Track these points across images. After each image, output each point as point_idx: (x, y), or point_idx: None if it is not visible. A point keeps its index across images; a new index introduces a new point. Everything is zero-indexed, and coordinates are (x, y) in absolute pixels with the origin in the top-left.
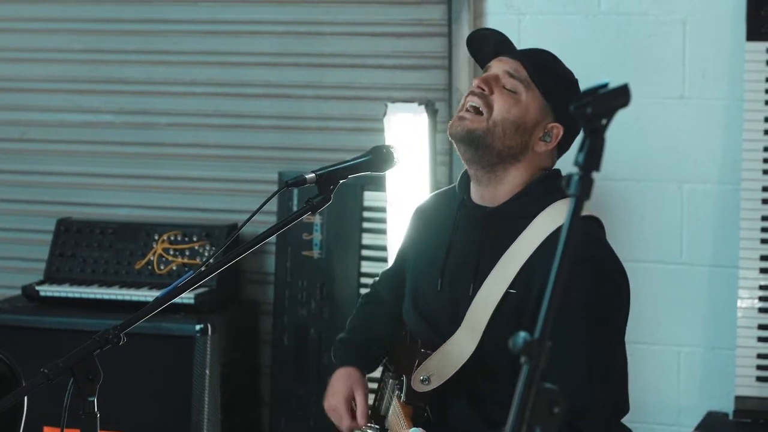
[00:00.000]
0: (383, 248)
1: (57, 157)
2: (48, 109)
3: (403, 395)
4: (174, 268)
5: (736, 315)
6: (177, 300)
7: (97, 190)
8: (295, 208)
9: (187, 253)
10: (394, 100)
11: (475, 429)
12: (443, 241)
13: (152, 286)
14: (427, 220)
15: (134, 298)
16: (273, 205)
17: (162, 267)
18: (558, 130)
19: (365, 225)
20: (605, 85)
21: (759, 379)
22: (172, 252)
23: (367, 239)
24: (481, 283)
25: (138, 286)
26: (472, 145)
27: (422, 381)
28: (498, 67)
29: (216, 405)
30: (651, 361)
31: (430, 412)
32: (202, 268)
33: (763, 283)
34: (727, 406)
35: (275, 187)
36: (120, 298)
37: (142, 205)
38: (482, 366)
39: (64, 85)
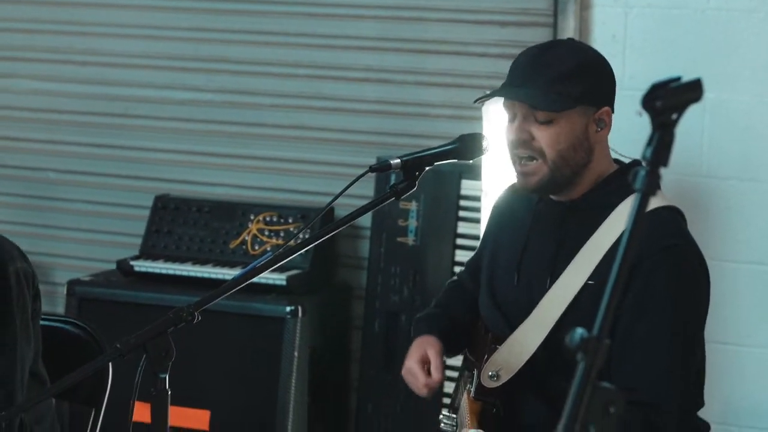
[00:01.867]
0: (478, 238)
1: (157, 133)
2: (150, 85)
3: (472, 391)
4: (268, 248)
5: None
6: (269, 281)
7: (196, 168)
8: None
9: (282, 234)
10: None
11: (548, 424)
12: (521, 235)
13: (245, 266)
14: (503, 212)
15: (227, 277)
16: (370, 190)
17: (256, 247)
18: (606, 113)
19: (461, 214)
20: (678, 79)
21: None
22: (266, 233)
23: (462, 228)
24: (559, 276)
25: (231, 265)
26: (549, 190)
27: (491, 377)
28: (517, 107)
29: (303, 388)
30: (748, 363)
31: (502, 409)
32: (280, 250)
33: None
34: None
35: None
36: (213, 276)
37: (239, 184)
38: (552, 359)
39: (168, 62)
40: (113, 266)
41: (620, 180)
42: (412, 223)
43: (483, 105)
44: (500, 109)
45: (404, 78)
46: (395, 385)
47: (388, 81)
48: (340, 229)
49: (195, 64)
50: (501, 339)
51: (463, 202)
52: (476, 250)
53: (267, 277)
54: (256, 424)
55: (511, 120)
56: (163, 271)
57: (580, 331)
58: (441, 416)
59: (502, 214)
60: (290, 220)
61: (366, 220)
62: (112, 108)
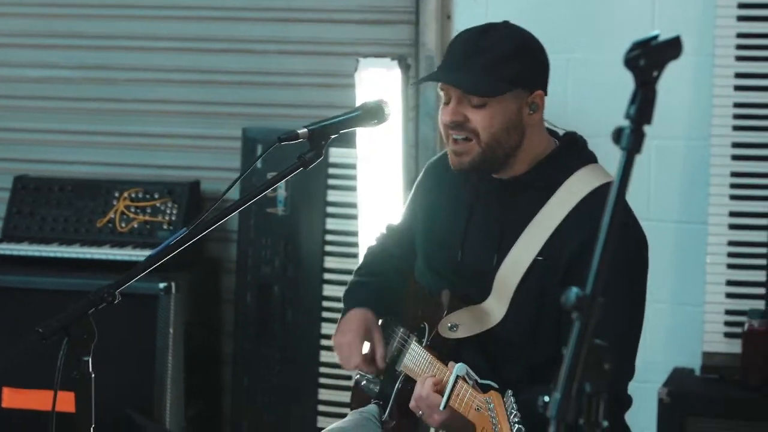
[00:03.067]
0: (350, 205)
1: (14, 112)
2: (5, 64)
3: (426, 341)
4: (135, 225)
5: (704, 271)
6: (138, 258)
7: (55, 146)
8: (259, 165)
9: (149, 210)
10: (366, 55)
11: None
12: (461, 210)
13: (114, 244)
14: (440, 180)
15: (96, 257)
16: (236, 162)
17: (123, 225)
18: (539, 97)
19: (331, 182)
20: (656, 37)
21: (727, 335)
22: (133, 209)
23: (332, 196)
24: (506, 253)
25: (99, 244)
26: (482, 169)
27: (450, 328)
28: (452, 90)
29: (179, 363)
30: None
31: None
32: (193, 225)
33: (731, 239)
34: (694, 362)
35: (238, 144)
36: (81, 256)
37: (101, 162)
38: (507, 332)
39: (22, 39)
40: None
41: (562, 158)
42: (281, 193)
43: (356, 72)
44: (373, 76)
45: (267, 47)
46: (270, 356)
47: (251, 51)
48: (250, 203)
49: (50, 40)
50: (464, 299)
51: (332, 170)
52: (403, 216)
53: (135, 254)
54: (134, 403)
55: (446, 102)
56: (29, 254)
57: (575, 290)
58: (358, 376)
59: (438, 186)
60: (156, 196)
61: (234, 192)
62: None
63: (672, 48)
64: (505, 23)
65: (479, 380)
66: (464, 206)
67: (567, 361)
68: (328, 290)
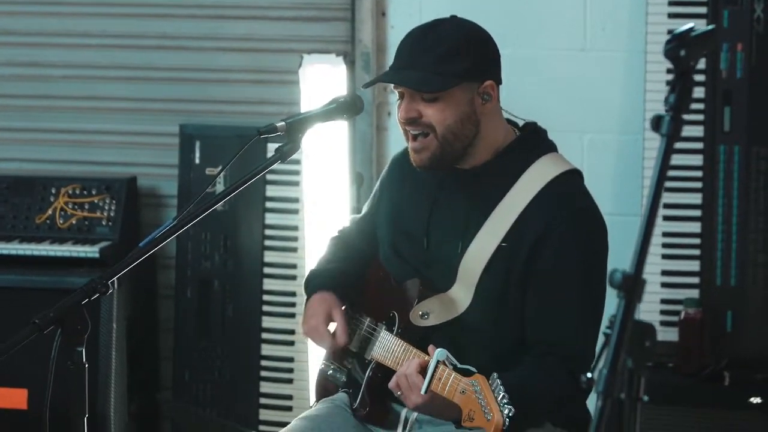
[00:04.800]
0: (290, 200)
1: None
2: None
3: (397, 329)
4: (74, 222)
5: None
6: (80, 254)
7: None
8: (197, 161)
9: (87, 206)
10: (306, 52)
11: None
12: (426, 200)
13: (54, 240)
14: (404, 171)
15: (36, 253)
16: (173, 158)
17: (62, 221)
18: (490, 87)
19: (269, 177)
20: (692, 29)
21: (663, 323)
22: (71, 205)
23: (271, 191)
24: (470, 241)
25: (38, 240)
26: (441, 163)
27: (421, 316)
28: (403, 88)
29: (123, 359)
30: None
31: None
32: (178, 219)
33: (665, 230)
34: None
35: (176, 140)
36: (20, 252)
37: (37, 158)
38: (473, 319)
39: None
40: None
41: (522, 147)
42: (220, 188)
43: (300, 68)
44: (317, 72)
45: (201, 44)
46: (211, 351)
47: (185, 48)
48: (232, 195)
49: None
50: (432, 288)
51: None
52: (367, 208)
53: (77, 250)
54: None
55: (400, 99)
56: None
57: (620, 270)
58: (323, 365)
59: (402, 177)
60: (94, 192)
61: (171, 187)
62: None
63: (710, 38)
64: (452, 18)
65: (458, 365)
66: (428, 196)
67: (613, 337)
68: (269, 284)
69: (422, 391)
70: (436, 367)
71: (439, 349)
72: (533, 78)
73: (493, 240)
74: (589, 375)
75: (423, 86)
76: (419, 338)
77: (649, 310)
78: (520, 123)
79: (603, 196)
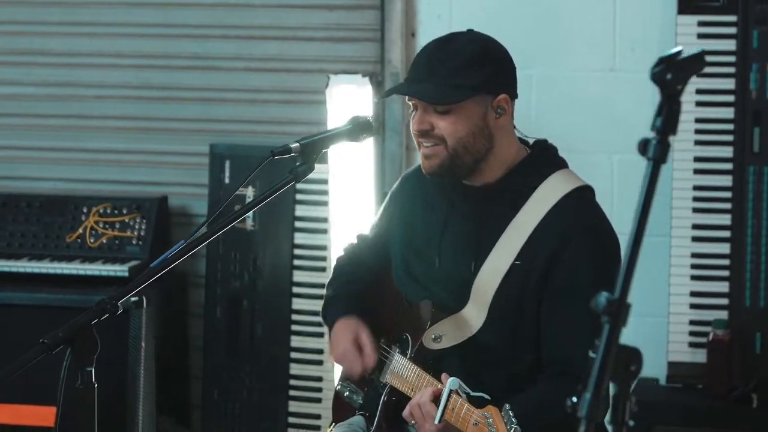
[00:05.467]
0: (320, 219)
1: None
2: None
3: (410, 353)
4: (105, 241)
5: (668, 283)
6: (110, 273)
7: (21, 163)
8: (227, 180)
9: (118, 226)
10: (334, 72)
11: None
12: (437, 219)
13: (84, 260)
14: (416, 190)
15: (66, 272)
16: (204, 178)
17: (93, 240)
18: (504, 100)
19: (298, 197)
20: (680, 53)
21: (691, 345)
22: (102, 224)
23: (300, 211)
24: (483, 259)
25: (69, 259)
26: (450, 173)
27: (434, 339)
28: (417, 100)
29: (151, 378)
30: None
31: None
32: (190, 240)
33: (694, 251)
34: (658, 373)
35: (206, 160)
36: (51, 271)
37: (68, 178)
38: (487, 339)
39: None
40: None
41: (534, 165)
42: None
43: (327, 88)
44: (344, 92)
45: (232, 65)
46: (240, 370)
47: (216, 68)
48: (247, 214)
49: (11, 57)
50: (445, 309)
51: (299, 185)
52: (377, 225)
53: (107, 269)
54: (105, 419)
55: (414, 111)
56: None
57: (605, 294)
58: (339, 387)
59: (413, 197)
60: (125, 212)
61: (201, 206)
62: None
63: (697, 62)
64: (469, 31)
65: (471, 393)
66: (440, 214)
67: (597, 362)
68: (297, 304)
69: (436, 421)
70: (449, 396)
71: (451, 378)
72: (562, 98)
73: (506, 258)
74: (575, 399)
75: (435, 98)
76: (432, 361)
77: (677, 331)
78: (530, 141)
79: (632, 216)
